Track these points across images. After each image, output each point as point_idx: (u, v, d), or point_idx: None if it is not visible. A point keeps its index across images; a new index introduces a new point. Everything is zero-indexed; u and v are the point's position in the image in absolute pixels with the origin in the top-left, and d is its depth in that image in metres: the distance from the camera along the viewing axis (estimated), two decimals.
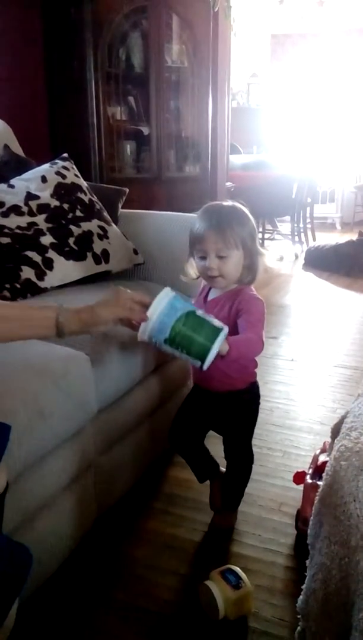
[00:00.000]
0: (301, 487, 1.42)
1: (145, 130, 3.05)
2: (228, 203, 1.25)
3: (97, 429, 1.29)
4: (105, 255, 1.73)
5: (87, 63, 2.64)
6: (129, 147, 3.04)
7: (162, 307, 1.08)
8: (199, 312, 1.12)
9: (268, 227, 5.90)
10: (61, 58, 2.72)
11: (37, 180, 1.71)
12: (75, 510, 1.24)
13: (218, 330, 1.09)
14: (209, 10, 3.11)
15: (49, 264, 1.59)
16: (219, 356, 1.12)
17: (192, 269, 1.30)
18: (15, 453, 0.96)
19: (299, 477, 1.45)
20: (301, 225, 5.51)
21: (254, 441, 1.40)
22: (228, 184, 4.00)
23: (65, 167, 1.80)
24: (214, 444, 1.43)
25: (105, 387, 1.28)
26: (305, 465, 1.57)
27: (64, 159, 1.84)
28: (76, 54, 2.65)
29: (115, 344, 1.33)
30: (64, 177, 1.77)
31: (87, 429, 1.25)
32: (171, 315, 1.08)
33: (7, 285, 1.50)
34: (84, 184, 1.83)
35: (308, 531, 0.98)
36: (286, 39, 6.83)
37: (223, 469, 1.44)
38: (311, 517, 0.98)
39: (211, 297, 1.30)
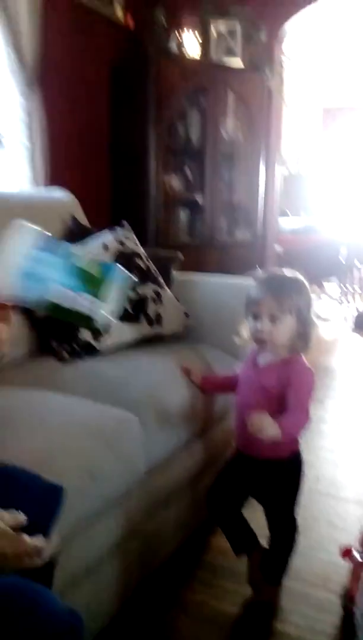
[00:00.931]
0: (348, 562, 1.38)
1: (199, 198, 3.20)
2: (290, 272, 1.30)
3: (143, 492, 1.31)
4: (158, 319, 1.79)
5: (148, 139, 2.84)
6: (183, 215, 3.19)
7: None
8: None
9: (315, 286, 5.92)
10: (125, 134, 2.94)
11: (99, 248, 1.83)
12: (118, 575, 1.24)
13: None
14: (263, 86, 3.31)
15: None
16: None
17: (246, 330, 1.32)
18: (66, 515, 0.98)
19: (346, 553, 1.40)
20: (348, 287, 5.52)
21: (297, 510, 1.38)
22: (278, 247, 4.09)
23: (125, 235, 1.91)
24: (254, 512, 1.42)
25: (152, 450, 1.31)
26: (351, 538, 1.52)
27: (123, 227, 1.95)
28: (139, 131, 2.86)
29: (162, 405, 1.37)
30: (123, 244, 1.87)
31: (134, 492, 1.27)
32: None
33: (66, 347, 1.58)
34: (141, 250, 1.93)
35: (356, 611, 0.96)
36: (337, 112, 7.10)
37: (264, 544, 1.41)
38: (359, 596, 0.95)
39: (261, 362, 1.32)
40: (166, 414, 1.37)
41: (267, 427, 1.16)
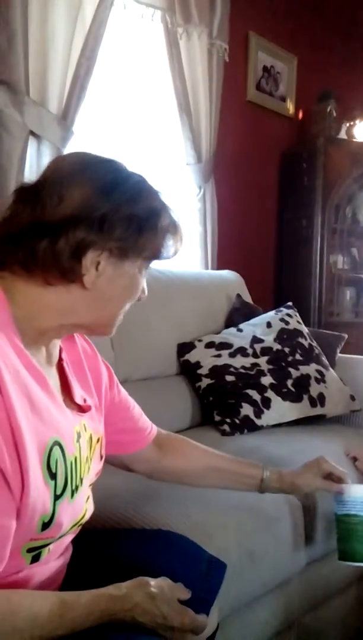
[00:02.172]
0: None
1: None
2: None
3: (305, 583, 1.23)
4: (321, 399, 1.75)
5: (315, 221, 2.90)
6: (349, 293, 3.13)
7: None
8: None
9: None
10: (293, 218, 3.05)
11: (262, 326, 1.87)
12: None
13: None
14: None
15: (267, 403, 1.67)
16: None
17: None
18: (224, 595, 0.96)
19: None
20: None
21: None
22: None
23: (288, 315, 1.94)
24: None
25: (315, 539, 1.24)
26: None
27: (288, 307, 1.98)
28: (306, 213, 2.94)
29: (327, 492, 1.30)
30: (287, 323, 1.90)
31: (294, 582, 1.21)
32: None
33: (228, 420, 1.61)
34: (305, 329, 1.93)
35: None
36: None
37: None
38: None
39: None
40: (331, 501, 1.29)
41: None
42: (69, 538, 0.76)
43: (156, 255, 0.75)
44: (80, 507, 0.72)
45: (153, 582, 0.71)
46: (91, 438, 0.78)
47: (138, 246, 0.72)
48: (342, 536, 1.04)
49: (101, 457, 0.83)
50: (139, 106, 2.34)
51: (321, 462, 1.08)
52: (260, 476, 1.05)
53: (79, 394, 0.79)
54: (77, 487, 0.70)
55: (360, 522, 1.01)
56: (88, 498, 0.76)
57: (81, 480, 0.72)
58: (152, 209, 0.72)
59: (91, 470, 0.77)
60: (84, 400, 0.80)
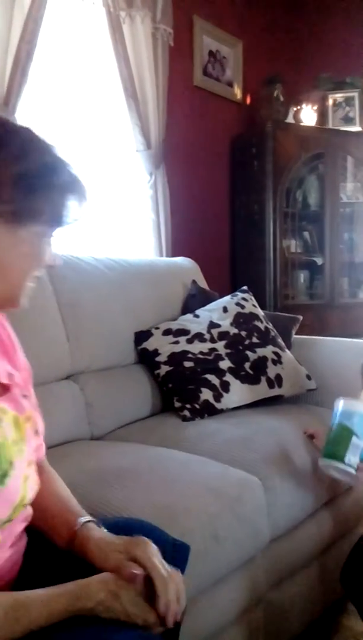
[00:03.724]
0: None
1: (318, 260, 3.18)
2: None
3: (268, 560, 1.26)
4: (278, 380, 1.77)
5: (266, 205, 2.93)
6: (302, 276, 3.19)
7: None
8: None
9: None
10: (245, 203, 3.07)
11: (219, 311, 1.88)
12: None
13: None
14: None
15: (226, 387, 1.68)
16: None
17: None
18: (190, 576, 0.97)
19: None
20: None
21: None
22: None
23: (244, 299, 1.95)
24: None
25: (277, 516, 1.26)
26: None
27: (243, 291, 2.00)
28: (258, 198, 2.97)
29: (287, 470, 1.32)
30: (243, 307, 1.91)
31: (258, 559, 1.22)
32: None
33: (188, 406, 1.61)
34: (260, 312, 1.95)
35: None
36: None
37: None
38: None
39: None
40: (290, 477, 1.32)
41: None
42: (19, 526, 0.74)
43: (57, 218, 0.69)
44: (16, 490, 0.69)
45: (116, 578, 0.70)
46: (16, 419, 0.73)
47: (33, 209, 0.66)
48: (331, 439, 1.22)
49: (36, 432, 0.78)
50: (85, 92, 2.30)
51: (135, 546, 0.76)
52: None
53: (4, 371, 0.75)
54: (6, 472, 0.67)
55: (349, 432, 1.20)
56: (27, 478, 0.72)
57: (11, 463, 0.68)
58: (44, 164, 0.66)
59: (26, 451, 0.73)
60: (10, 377, 0.75)
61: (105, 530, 0.80)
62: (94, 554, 0.75)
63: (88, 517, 0.82)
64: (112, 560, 0.73)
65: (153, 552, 0.74)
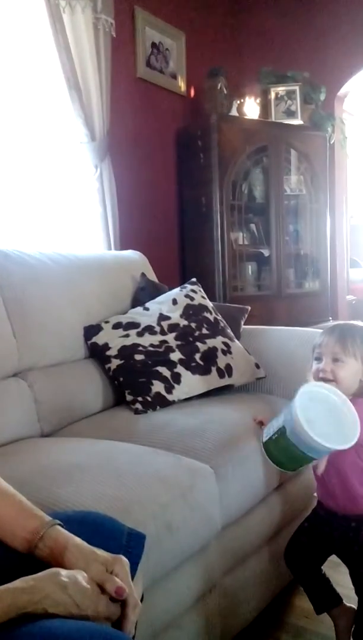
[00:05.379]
0: None
1: (265, 252, 3.24)
2: (361, 324, 1.30)
3: (221, 546, 1.28)
4: (228, 370, 1.80)
5: (213, 198, 2.96)
6: (250, 268, 3.24)
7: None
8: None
9: None
10: (191, 196, 3.09)
11: (168, 303, 1.88)
12: (199, 633, 1.20)
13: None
14: (325, 143, 3.37)
15: (177, 378, 1.69)
16: None
17: (310, 375, 1.31)
18: (145, 565, 0.98)
19: None
20: None
21: None
22: (350, 297, 4.01)
23: (193, 290, 1.97)
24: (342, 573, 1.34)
25: (228, 503, 1.28)
26: None
27: (192, 283, 2.01)
28: (204, 191, 2.99)
29: (237, 458, 1.35)
30: (192, 299, 1.92)
31: (212, 546, 1.24)
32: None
33: (140, 398, 1.61)
34: (209, 304, 1.97)
35: None
36: None
37: (351, 605, 1.32)
38: None
39: None
40: (241, 465, 1.35)
41: None
42: None
43: None
44: None
45: (64, 572, 0.69)
46: None
47: None
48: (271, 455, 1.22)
49: None
50: (26, 83, 2.24)
51: (115, 562, 0.74)
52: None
53: None
54: None
55: (272, 441, 1.20)
56: None
57: None
58: None
59: None
60: None
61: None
62: (74, 558, 0.73)
63: (52, 519, 0.80)
64: (94, 570, 0.72)
65: (128, 572, 0.74)
